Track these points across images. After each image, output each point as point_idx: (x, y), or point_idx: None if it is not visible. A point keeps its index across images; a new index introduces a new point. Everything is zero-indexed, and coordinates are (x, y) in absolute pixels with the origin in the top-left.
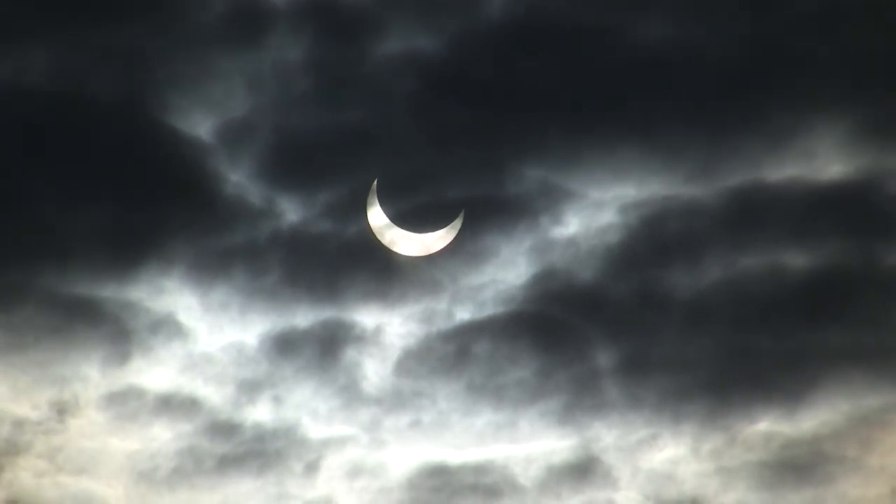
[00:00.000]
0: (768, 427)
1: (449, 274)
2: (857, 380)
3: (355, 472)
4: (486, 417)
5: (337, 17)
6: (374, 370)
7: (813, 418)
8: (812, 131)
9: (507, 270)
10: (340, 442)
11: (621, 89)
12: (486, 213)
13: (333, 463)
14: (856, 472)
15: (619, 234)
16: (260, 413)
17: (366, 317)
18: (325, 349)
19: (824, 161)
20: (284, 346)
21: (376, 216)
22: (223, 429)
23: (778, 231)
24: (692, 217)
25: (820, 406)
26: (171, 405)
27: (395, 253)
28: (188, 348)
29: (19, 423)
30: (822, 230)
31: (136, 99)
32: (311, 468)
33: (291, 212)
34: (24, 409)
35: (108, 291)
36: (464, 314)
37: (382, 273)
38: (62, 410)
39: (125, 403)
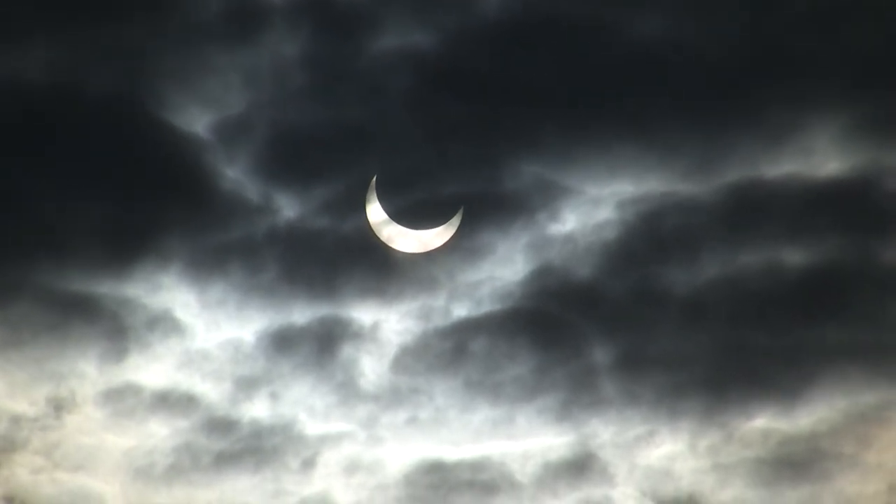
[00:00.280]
0: (765, 424)
1: (446, 271)
2: (854, 376)
3: (352, 468)
4: (483, 414)
5: (333, 14)
6: (371, 367)
7: (810, 415)
8: (809, 128)
9: (505, 267)
10: (337, 438)
11: (618, 86)
12: (482, 209)
13: (330, 459)
14: (853, 469)
15: (617, 230)
16: (257, 409)
17: (363, 313)
18: (322, 346)
19: (821, 158)
20: (281, 342)
21: (373, 212)
22: (220, 425)
23: (775, 228)
24: (689, 214)
25: (817, 403)
26: (168, 402)
27: (393, 249)
28: (185, 345)
29: (16, 420)
30: (819, 227)
31: (133, 95)
32: (308, 464)
33: (288, 208)
34: (21, 405)
35: (105, 288)
36: (461, 311)
37: (379, 270)
38: (59, 407)
39: (122, 400)
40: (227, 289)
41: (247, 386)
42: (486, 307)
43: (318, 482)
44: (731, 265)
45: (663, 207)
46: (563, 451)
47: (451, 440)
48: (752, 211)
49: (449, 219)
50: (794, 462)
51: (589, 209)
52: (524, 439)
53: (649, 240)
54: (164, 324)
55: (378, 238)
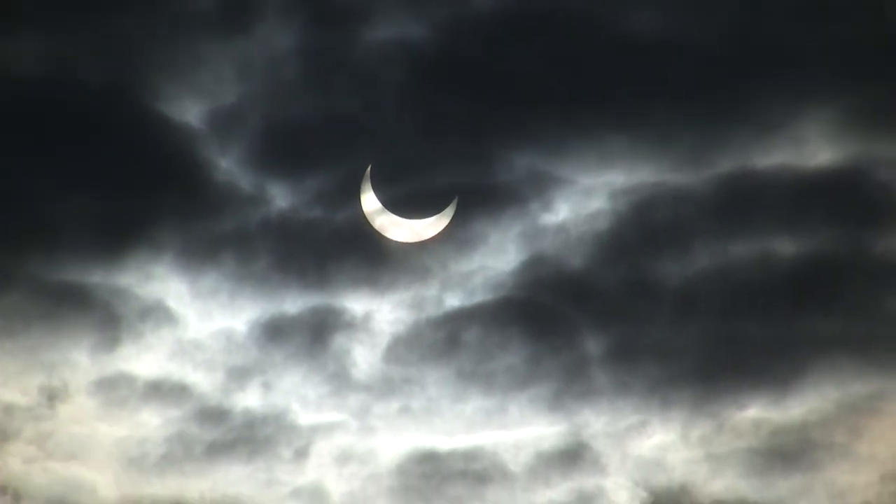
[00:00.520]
0: (757, 414)
1: (439, 261)
2: (845, 367)
3: (345, 458)
4: (475, 404)
5: (326, 5)
6: (364, 357)
7: (802, 405)
8: (801, 119)
9: (497, 257)
10: (330, 428)
11: (611, 77)
12: (475, 200)
13: (323, 449)
14: (844, 459)
15: (609, 220)
16: (249, 399)
17: (355, 303)
18: (314, 336)
19: (813, 148)
20: (274, 332)
21: (367, 202)
22: (212, 415)
23: (767, 218)
24: (681, 204)
25: (809, 393)
26: (161, 391)
27: (385, 240)
28: (177, 334)
29: (8, 409)
30: (811, 218)
31: (126, 86)
32: (301, 454)
33: (281, 198)
34: (13, 395)
35: (98, 278)
36: (453, 301)
37: (372, 260)
38: (52, 396)
39: (115, 389)
40: (220, 278)
41: (239, 376)
42: (479, 297)
43: (310, 472)
44: (723, 255)
45: (655, 198)
46: (555, 441)
47: (444, 430)
48: (745, 201)
49: (442, 209)
50: (785, 452)
51: (581, 199)
52: (516, 429)
53: (641, 230)
54: (157, 313)
55: (371, 228)
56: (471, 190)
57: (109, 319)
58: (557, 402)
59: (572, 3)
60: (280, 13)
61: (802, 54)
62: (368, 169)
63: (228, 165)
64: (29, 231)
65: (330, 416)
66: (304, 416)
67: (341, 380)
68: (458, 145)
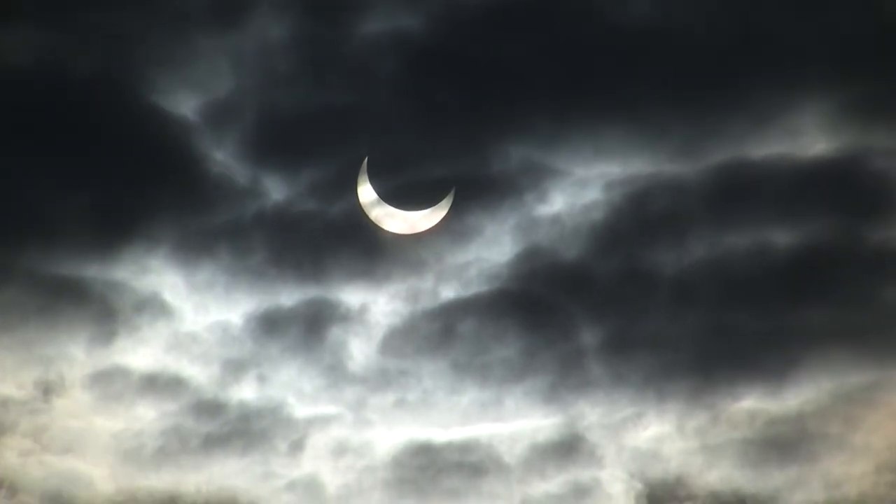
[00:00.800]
0: (753, 405)
1: (434, 253)
2: (841, 358)
3: (340, 450)
4: (471, 396)
5: None
6: (360, 349)
7: (797, 396)
8: (796, 110)
9: (492, 249)
10: (325, 421)
11: (606, 68)
12: (470, 191)
13: (318, 442)
14: (840, 450)
15: (604, 211)
16: (245, 392)
17: (351, 296)
18: (310, 328)
19: (808, 139)
20: (269, 325)
21: (361, 195)
22: (208, 408)
23: (762, 209)
24: (677, 195)
25: (804, 384)
26: (157, 384)
27: (380, 232)
28: (173, 328)
29: (4, 403)
30: (806, 208)
31: (121, 79)
32: (296, 447)
33: (276, 191)
34: (9, 388)
35: (94, 271)
36: (449, 293)
37: (367, 252)
38: (47, 390)
39: (110, 383)
40: (215, 271)
41: (235, 369)
42: (474, 289)
43: (306, 465)
44: (718, 246)
45: (650, 188)
46: (550, 433)
47: (439, 422)
48: (740, 192)
49: (437, 201)
50: (781, 443)
51: (576, 190)
52: (512, 421)
53: (637, 221)
54: (153, 307)
55: (366, 220)
56: (466, 181)
57: (105, 313)
58: (553, 393)
59: None
60: (274, 6)
61: (798, 45)
62: (363, 161)
63: (223, 158)
64: (24, 225)
65: (325, 408)
66: (299, 409)
67: (337, 372)
68: (452, 137)
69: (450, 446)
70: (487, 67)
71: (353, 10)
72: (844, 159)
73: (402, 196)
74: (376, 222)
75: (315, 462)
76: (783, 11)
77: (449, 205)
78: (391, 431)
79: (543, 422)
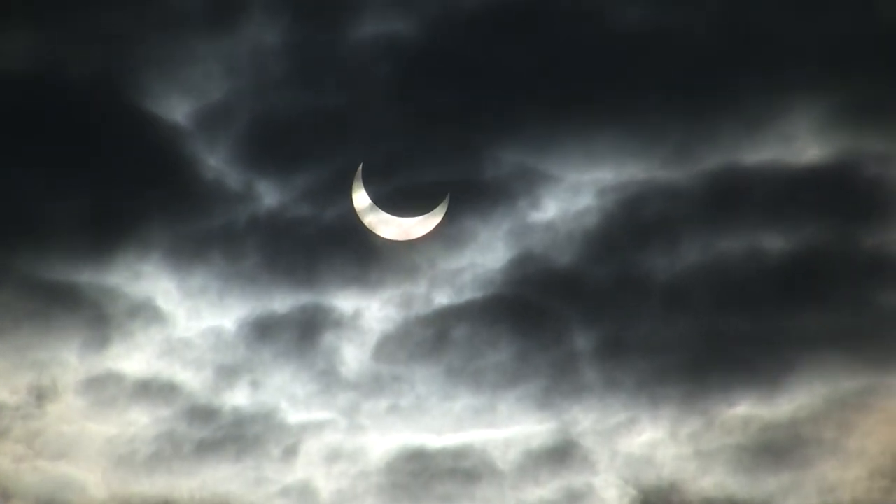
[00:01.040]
0: (746, 410)
1: (427, 258)
2: (835, 363)
3: (334, 456)
4: (464, 402)
5: (313, 1)
6: (353, 355)
7: (791, 401)
8: (789, 114)
9: (486, 254)
10: (319, 426)
11: (599, 72)
12: (463, 197)
13: (312, 447)
14: (834, 455)
15: (597, 217)
16: (238, 398)
17: (344, 301)
18: (303, 334)
19: (802, 144)
20: (263, 330)
21: (355, 200)
22: (201, 413)
23: (755, 214)
24: (670, 200)
25: (798, 389)
26: (150, 390)
27: (374, 237)
28: (166, 333)
29: None
30: (799, 213)
31: (113, 84)
32: (290, 453)
33: (269, 196)
34: (2, 394)
35: (87, 276)
36: (442, 298)
37: (361, 257)
38: (40, 395)
39: (103, 388)
40: (209, 277)
41: (228, 374)
42: (468, 295)
43: (299, 470)
44: (711, 252)
45: (644, 194)
46: (544, 439)
47: (433, 428)
48: (733, 197)
49: (430, 206)
50: (775, 449)
51: (569, 196)
52: (505, 427)
53: (630, 227)
54: (146, 312)
55: (359, 226)
56: (459, 187)
57: (98, 318)
58: (546, 399)
59: (560, 0)
60: (267, 10)
61: (791, 50)
62: (357, 166)
63: (216, 163)
64: (17, 229)
65: (319, 414)
66: (292, 415)
67: (330, 378)
68: (446, 142)
69: (443, 452)
70: (480, 72)
71: (346, 14)
72: (838, 164)
73: (395, 202)
74: (370, 228)
75: (308, 468)
76: (777, 16)
77: (443, 211)
78: (384, 437)
79: (537, 427)
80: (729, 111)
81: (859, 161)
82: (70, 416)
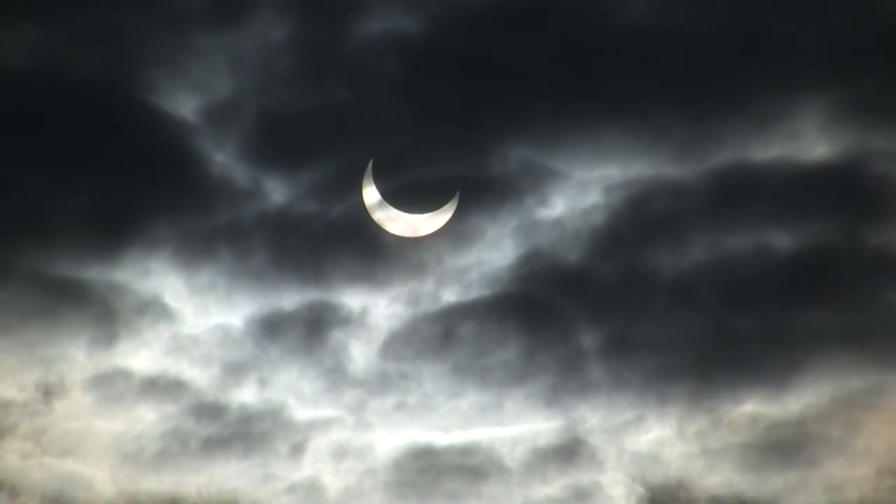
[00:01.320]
0: (754, 409)
1: (435, 256)
2: (842, 361)
3: (341, 453)
4: (471, 399)
5: None
6: (360, 352)
7: (798, 400)
8: (796, 112)
9: (493, 252)
10: (326, 424)
11: (606, 69)
12: (470, 193)
13: (319, 444)
14: (841, 454)
15: (604, 214)
16: (246, 395)
17: (352, 298)
18: (310, 331)
19: (809, 141)
20: (270, 327)
21: (365, 197)
22: (209, 410)
23: (763, 212)
24: (677, 198)
25: (805, 387)
26: (157, 387)
27: (381, 234)
28: (174, 330)
29: (5, 405)
30: (806, 211)
31: (120, 80)
32: (297, 450)
33: (276, 192)
34: (9, 390)
35: (94, 273)
36: (450, 296)
37: (368, 255)
38: (48, 392)
39: (111, 385)
40: (216, 274)
41: (235, 371)
42: (475, 292)
43: (306, 467)
44: (718, 249)
45: (651, 191)
46: (551, 437)
47: (440, 425)
48: (740, 195)
49: (437, 203)
50: (782, 447)
51: (577, 193)
52: (513, 424)
53: (637, 224)
54: (153, 309)
55: (367, 222)
56: (466, 184)
57: (106, 315)
58: (554, 397)
59: None
60: (273, 6)
61: (798, 47)
62: (364, 163)
63: (223, 159)
64: (25, 226)
65: (326, 411)
66: (300, 412)
67: (337, 375)
68: (452, 138)
69: (450, 449)
70: (487, 69)
71: (352, 10)
72: (845, 162)
73: (403, 199)
74: (380, 224)
75: (316, 465)
76: (783, 14)
77: (453, 209)
78: (392, 434)
79: (544, 425)
80: (736, 108)
81: (866, 158)
82: (77, 412)
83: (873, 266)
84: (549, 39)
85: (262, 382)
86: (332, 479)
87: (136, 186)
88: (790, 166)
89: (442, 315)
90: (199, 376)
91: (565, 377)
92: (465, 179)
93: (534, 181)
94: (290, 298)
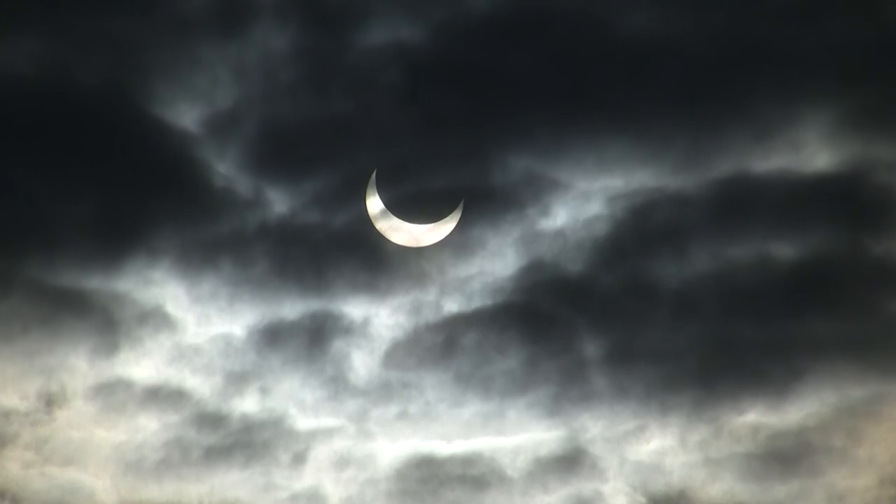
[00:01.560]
0: (755, 418)
1: (437, 266)
2: (844, 370)
3: (342, 463)
4: (473, 408)
5: (321, 8)
6: (362, 361)
7: (800, 409)
8: (799, 122)
9: (495, 262)
10: (328, 433)
11: (608, 80)
12: (473, 204)
13: (321, 454)
14: (843, 463)
15: (607, 225)
16: (247, 404)
17: (354, 308)
18: (312, 340)
19: (811, 152)
20: (272, 337)
21: (369, 206)
22: (210, 420)
23: (765, 222)
24: (679, 208)
25: (807, 397)
26: (159, 396)
27: (383, 244)
28: (176, 339)
29: (6, 414)
30: (809, 221)
31: (122, 90)
32: (299, 459)
33: (279, 202)
34: (11, 399)
35: (96, 282)
36: (452, 306)
37: (370, 264)
38: (49, 401)
39: (113, 394)
40: (218, 283)
41: (237, 380)
42: (477, 302)
43: (308, 477)
44: (721, 259)
45: (653, 202)
46: (553, 446)
47: (442, 435)
48: (742, 205)
49: (440, 213)
50: (784, 456)
51: (579, 204)
52: (514, 434)
53: (639, 234)
54: (155, 318)
55: (369, 232)
56: (468, 194)
57: (108, 324)
58: (555, 406)
59: (568, 6)
60: (276, 16)
61: (800, 57)
62: (366, 172)
63: (226, 169)
64: (27, 235)
65: (328, 420)
66: (301, 421)
67: (339, 384)
68: (454, 148)
69: (452, 459)
70: (490, 78)
71: (354, 20)
72: (847, 172)
73: (404, 208)
74: (382, 234)
75: (317, 474)
76: (785, 23)
77: (457, 219)
78: (394, 444)
79: (546, 435)
80: (738, 119)
81: (868, 169)
82: (79, 422)
83: (875, 276)
84: (551, 50)
85: (264, 392)
86: (334, 489)
87: (138, 196)
88: (792, 177)
89: (444, 324)
90: (200, 385)
91: (567, 387)
92: (468, 189)
93: (536, 191)
94: (292, 308)
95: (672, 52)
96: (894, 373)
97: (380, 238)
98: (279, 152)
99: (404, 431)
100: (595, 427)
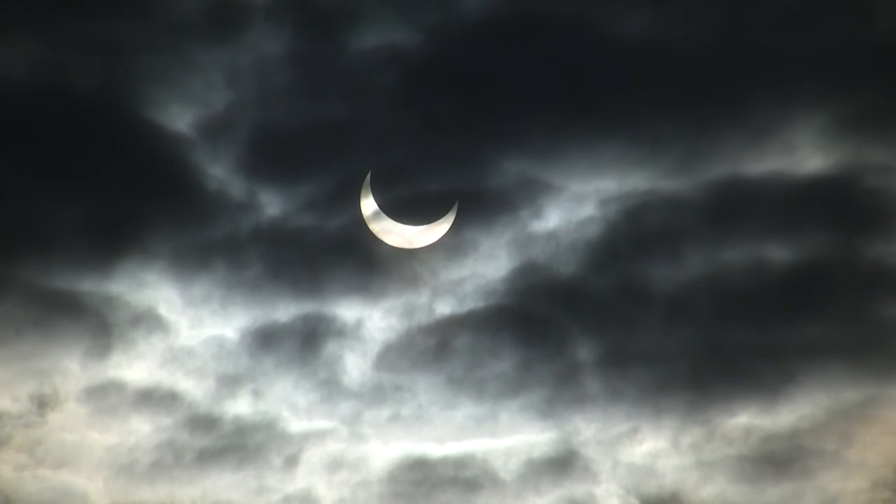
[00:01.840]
0: (748, 421)
1: (430, 268)
2: (836, 373)
3: (335, 465)
4: (466, 411)
5: (315, 11)
6: (355, 364)
7: (792, 412)
8: (792, 125)
9: (488, 264)
10: (320, 435)
11: (602, 82)
12: (466, 206)
13: (313, 456)
14: (835, 466)
15: (600, 227)
16: (240, 407)
17: (346, 310)
18: (305, 343)
19: (804, 155)
20: (265, 339)
21: (363, 209)
22: (203, 422)
23: (758, 225)
24: (672, 211)
25: (800, 400)
26: (152, 399)
27: (376, 247)
28: (169, 342)
29: None
30: (802, 224)
31: (115, 94)
32: (291, 462)
33: (272, 205)
34: (4, 402)
35: (89, 285)
36: (444, 308)
37: (363, 267)
38: (42, 404)
39: (105, 397)
40: (211, 286)
41: (230, 383)
42: (470, 304)
43: (301, 479)
44: (714, 262)
45: (646, 204)
46: (546, 449)
47: (435, 437)
48: (736, 208)
49: (433, 216)
50: (776, 459)
51: (572, 206)
52: (507, 436)
53: (632, 237)
54: (148, 321)
55: (362, 235)
56: (461, 197)
57: (101, 327)
58: (548, 409)
59: (563, 9)
60: (269, 20)
61: (793, 61)
62: (360, 176)
63: (219, 173)
64: (20, 238)
65: (320, 423)
66: (294, 424)
67: (332, 387)
68: (448, 151)
69: (445, 461)
70: (483, 82)
71: (348, 24)
72: (841, 175)
73: (398, 211)
74: (375, 236)
75: (310, 477)
76: (779, 27)
77: (450, 222)
78: (386, 446)
79: (539, 437)
80: (732, 122)
81: (862, 172)
82: (72, 424)
83: (868, 279)
84: (545, 53)
85: (257, 394)
86: (327, 491)
87: (131, 199)
88: (786, 180)
89: (437, 327)
90: (193, 388)
91: (560, 389)
92: (461, 192)
93: (529, 194)
94: (285, 310)
95: (666, 56)
96: (887, 376)
97: (373, 240)
98: (273, 155)
99: (397, 434)
100: (588, 429)
